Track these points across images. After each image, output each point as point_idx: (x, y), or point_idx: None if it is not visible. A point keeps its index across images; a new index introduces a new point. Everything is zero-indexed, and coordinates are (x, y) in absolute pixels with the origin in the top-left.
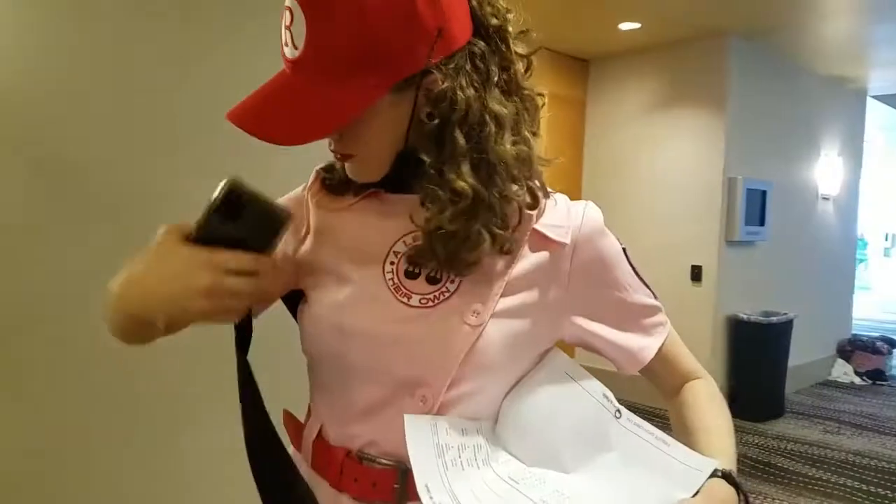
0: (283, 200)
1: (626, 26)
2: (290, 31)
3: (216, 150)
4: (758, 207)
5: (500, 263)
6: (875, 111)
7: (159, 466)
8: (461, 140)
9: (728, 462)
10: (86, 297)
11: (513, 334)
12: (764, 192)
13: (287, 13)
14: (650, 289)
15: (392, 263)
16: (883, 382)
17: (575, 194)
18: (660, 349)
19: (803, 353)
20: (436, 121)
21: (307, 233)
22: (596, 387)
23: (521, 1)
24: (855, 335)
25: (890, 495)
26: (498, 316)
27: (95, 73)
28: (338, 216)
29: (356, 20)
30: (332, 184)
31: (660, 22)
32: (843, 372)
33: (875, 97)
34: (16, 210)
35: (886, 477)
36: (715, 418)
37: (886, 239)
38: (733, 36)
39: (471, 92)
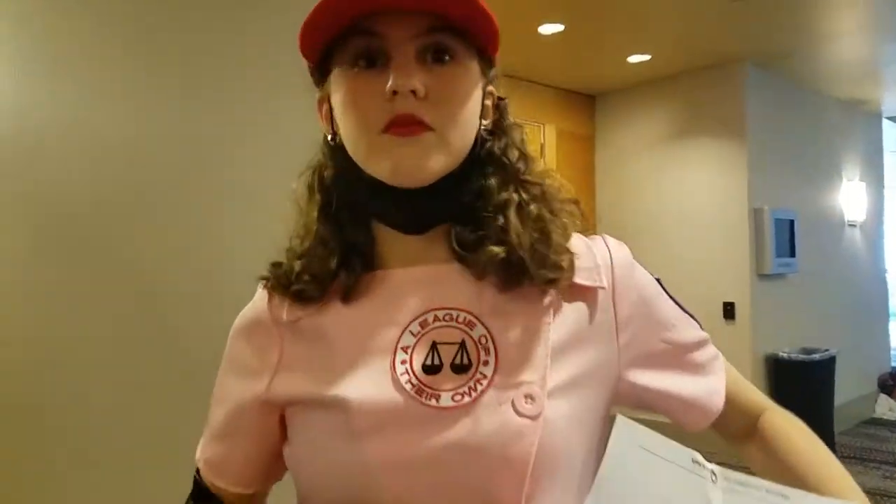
0: (238, 328)
1: (635, 59)
2: None
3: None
4: (787, 238)
5: (538, 326)
6: (888, 132)
7: None
8: (514, 153)
9: (862, 498)
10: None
11: (579, 413)
12: (792, 222)
13: None
14: (693, 317)
15: (404, 362)
16: None
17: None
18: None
19: (845, 391)
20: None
21: (280, 358)
22: (681, 454)
23: (528, 40)
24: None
25: None
26: (555, 394)
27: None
28: (320, 322)
29: None
30: (292, 285)
31: (670, 52)
32: (887, 408)
33: (890, 118)
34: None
35: None
36: (814, 447)
37: None
38: (747, 63)
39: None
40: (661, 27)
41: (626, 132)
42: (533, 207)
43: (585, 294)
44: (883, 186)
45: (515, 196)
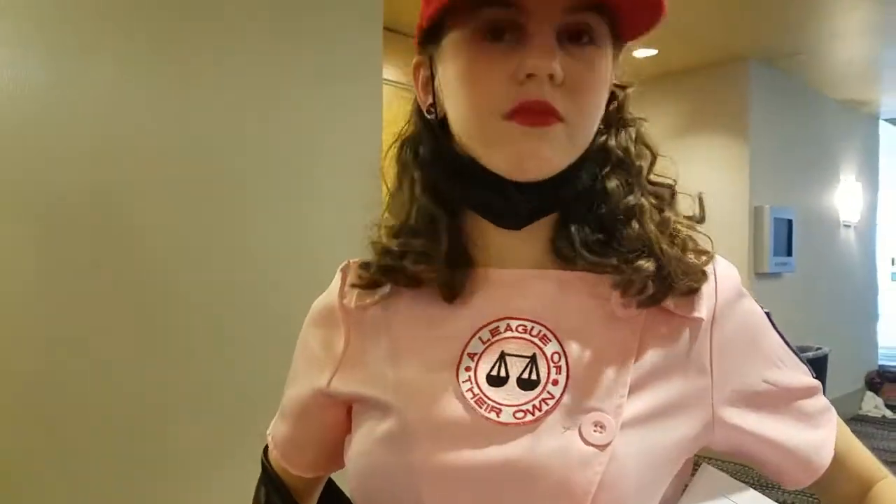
0: (312, 313)
1: (641, 53)
2: None
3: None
4: (784, 237)
5: (620, 350)
6: (883, 134)
7: None
8: (635, 149)
9: None
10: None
11: (652, 449)
12: (790, 221)
13: None
14: (805, 362)
15: (468, 370)
16: None
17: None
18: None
19: (834, 388)
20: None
21: (346, 349)
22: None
23: None
24: (882, 366)
25: None
26: (629, 426)
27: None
28: (386, 315)
29: None
30: (372, 278)
31: (678, 47)
32: (873, 405)
33: (887, 120)
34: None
35: None
36: None
37: (893, 264)
38: (752, 61)
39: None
40: (668, 21)
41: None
42: (668, 213)
43: (681, 320)
44: (877, 188)
45: (645, 201)
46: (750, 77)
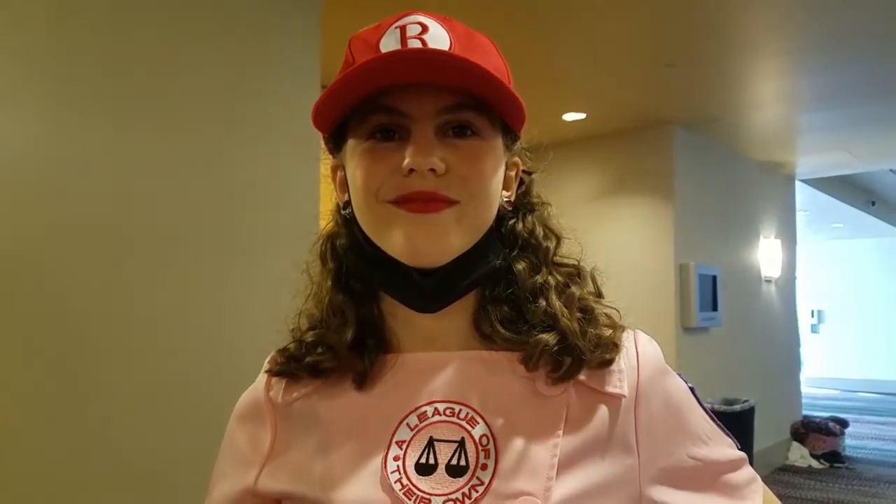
0: (238, 408)
1: (570, 116)
2: (422, 39)
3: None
4: (710, 292)
5: (547, 431)
6: (798, 193)
7: None
8: (541, 232)
9: None
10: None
11: None
12: (714, 277)
13: (414, 27)
14: (730, 435)
15: (396, 459)
16: (840, 465)
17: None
18: None
19: (761, 439)
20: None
21: (273, 445)
22: None
23: None
24: (806, 416)
25: None
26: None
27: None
28: (314, 408)
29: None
30: (305, 357)
31: (605, 112)
32: (799, 455)
33: (802, 181)
34: None
35: None
36: None
37: (813, 315)
38: (676, 125)
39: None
40: (596, 87)
41: (559, 188)
42: (574, 289)
43: (605, 398)
44: (795, 243)
45: (551, 279)
46: (674, 140)
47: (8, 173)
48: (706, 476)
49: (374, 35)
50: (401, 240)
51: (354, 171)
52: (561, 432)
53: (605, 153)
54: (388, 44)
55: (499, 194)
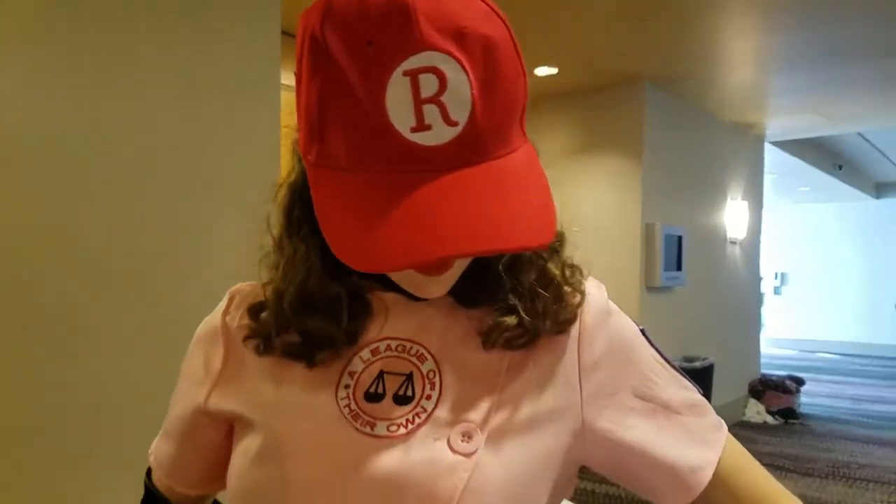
0: (197, 332)
1: (542, 71)
2: (440, 102)
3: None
4: (675, 252)
5: (490, 370)
6: (767, 155)
7: None
8: None
9: None
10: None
11: (518, 460)
12: (680, 238)
13: (430, 80)
14: (689, 380)
15: (347, 387)
16: (794, 421)
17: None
18: (718, 465)
19: (719, 395)
20: None
21: (224, 367)
22: None
23: None
24: (764, 374)
25: None
26: (496, 436)
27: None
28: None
29: (515, 66)
30: (280, 335)
31: (577, 67)
32: (755, 411)
33: (772, 143)
34: None
35: None
36: None
37: (776, 278)
38: (648, 83)
39: None
40: (568, 41)
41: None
42: (549, 264)
43: (548, 340)
44: (761, 206)
45: (526, 253)
46: (645, 99)
47: None
48: (656, 415)
49: (371, 62)
50: (413, 287)
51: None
52: (504, 371)
53: (576, 110)
54: (394, 106)
55: None
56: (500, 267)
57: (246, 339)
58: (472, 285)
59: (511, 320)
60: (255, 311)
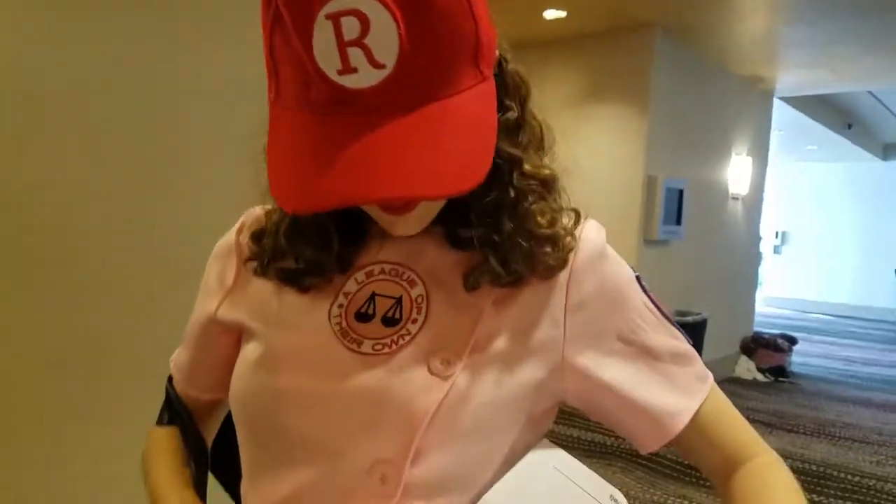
0: (214, 249)
1: (551, 14)
2: (363, 44)
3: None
4: (675, 206)
5: (476, 303)
6: (775, 111)
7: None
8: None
9: None
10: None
11: (494, 388)
12: (681, 192)
13: (352, 23)
14: (680, 330)
15: (341, 306)
16: (784, 379)
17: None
18: (697, 413)
19: (710, 351)
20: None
21: (235, 280)
22: (600, 487)
23: None
24: (757, 332)
25: (815, 499)
26: (474, 364)
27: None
28: None
29: (458, 3)
30: (279, 260)
31: (587, 10)
32: (746, 369)
33: (781, 98)
34: None
35: (803, 478)
36: None
37: (777, 237)
38: (658, 29)
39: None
40: None
41: (537, 89)
42: (532, 206)
43: (537, 279)
44: (766, 163)
45: (510, 192)
46: (655, 46)
47: None
48: (637, 358)
49: (299, 5)
50: (382, 223)
51: None
52: (490, 303)
53: (584, 56)
54: (321, 49)
55: None
56: (482, 209)
57: (247, 260)
58: (458, 225)
59: (489, 265)
60: (256, 235)
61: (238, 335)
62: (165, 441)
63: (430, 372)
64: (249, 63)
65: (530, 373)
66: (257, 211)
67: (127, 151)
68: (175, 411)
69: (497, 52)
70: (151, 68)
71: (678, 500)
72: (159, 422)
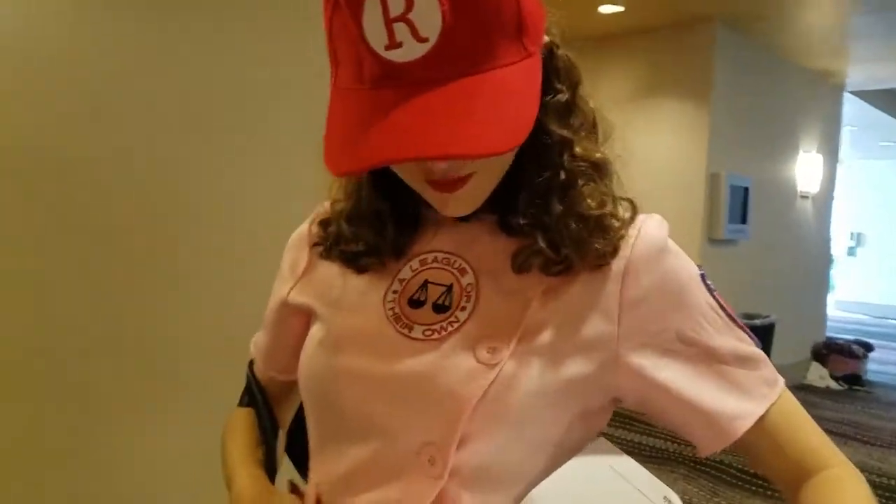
0: (290, 240)
1: (607, 9)
2: (408, 20)
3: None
4: (740, 204)
5: (525, 294)
6: (846, 105)
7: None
8: (557, 124)
9: None
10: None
11: (541, 379)
12: (746, 189)
13: (397, 0)
14: (746, 332)
15: (395, 292)
16: (859, 388)
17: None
18: (763, 418)
19: (779, 356)
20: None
21: (306, 268)
22: (655, 488)
23: None
24: (829, 338)
25: None
26: (521, 354)
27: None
28: None
29: None
30: (343, 245)
31: (645, 5)
32: (818, 376)
33: (852, 92)
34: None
35: (880, 492)
36: None
37: (851, 238)
38: (718, 23)
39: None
40: None
41: (592, 86)
42: (582, 188)
43: (590, 270)
44: (837, 161)
45: (561, 175)
46: (716, 40)
47: (26, 62)
48: (697, 360)
49: None
50: (433, 204)
51: None
52: (539, 294)
53: (642, 51)
54: (370, 26)
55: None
56: (533, 191)
57: (314, 245)
58: (511, 213)
59: (538, 246)
60: (324, 223)
61: (308, 318)
62: (242, 421)
63: (477, 359)
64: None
65: (579, 366)
66: (325, 205)
67: (210, 152)
68: (252, 394)
69: (545, 37)
70: (252, 71)
71: None
72: (240, 403)
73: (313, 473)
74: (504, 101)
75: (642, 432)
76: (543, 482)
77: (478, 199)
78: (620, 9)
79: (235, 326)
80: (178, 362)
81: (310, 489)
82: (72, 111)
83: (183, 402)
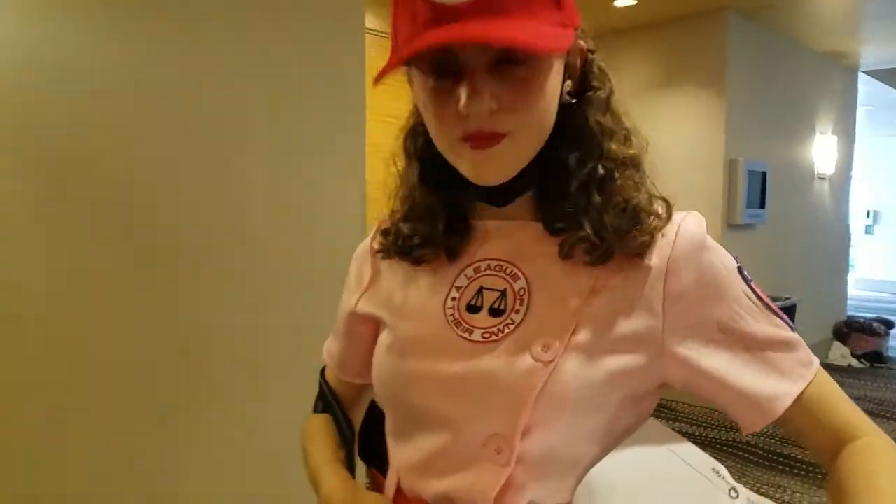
0: (355, 253)
1: (621, 2)
2: None
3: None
4: (758, 189)
5: (574, 294)
6: (860, 86)
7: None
8: (597, 119)
9: None
10: (90, 297)
11: (593, 371)
12: (764, 174)
13: None
14: (782, 317)
15: (454, 299)
16: (882, 365)
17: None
18: (801, 397)
19: (802, 337)
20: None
21: (371, 279)
22: (702, 460)
23: None
24: (850, 316)
25: None
26: (574, 349)
27: (111, 69)
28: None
29: None
30: (404, 245)
31: None
32: (840, 354)
33: (866, 72)
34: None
35: None
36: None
37: (868, 216)
38: (731, 12)
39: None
40: None
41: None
42: (619, 181)
43: (633, 268)
44: (853, 140)
45: (600, 169)
46: (728, 28)
47: (63, 74)
48: (738, 346)
49: None
50: (468, 170)
51: (423, 107)
52: (587, 293)
53: (657, 42)
54: None
55: (555, 103)
56: (573, 188)
57: (376, 254)
58: (555, 219)
59: (582, 233)
60: (384, 232)
61: (376, 325)
62: (321, 427)
63: (533, 357)
64: None
65: (628, 358)
66: (384, 215)
67: (247, 161)
68: (327, 401)
69: (581, 42)
70: (295, 85)
71: (771, 488)
72: (315, 410)
73: (393, 461)
74: (542, 34)
75: (668, 418)
76: (609, 473)
77: (510, 166)
78: (633, 1)
79: (301, 336)
80: (258, 364)
81: (390, 476)
82: (114, 122)
83: (240, 408)
